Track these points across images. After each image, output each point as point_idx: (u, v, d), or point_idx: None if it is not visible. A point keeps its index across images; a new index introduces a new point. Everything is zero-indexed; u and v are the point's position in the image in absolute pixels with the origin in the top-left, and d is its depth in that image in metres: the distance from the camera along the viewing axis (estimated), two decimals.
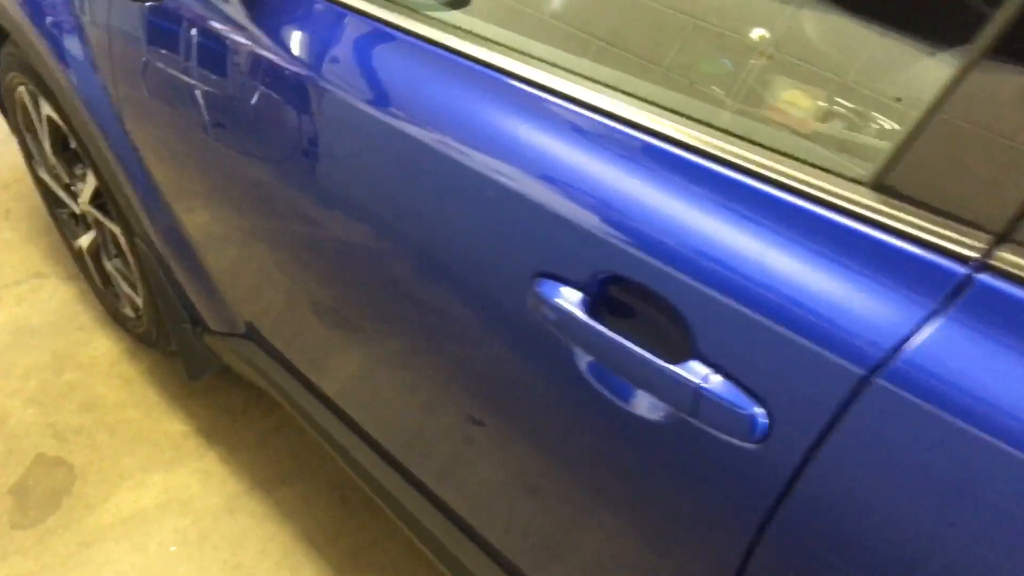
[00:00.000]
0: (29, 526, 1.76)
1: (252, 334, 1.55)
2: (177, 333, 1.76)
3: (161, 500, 1.82)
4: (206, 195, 1.40)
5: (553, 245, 0.80)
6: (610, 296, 0.77)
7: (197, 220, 1.47)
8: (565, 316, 0.79)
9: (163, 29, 1.27)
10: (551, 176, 0.81)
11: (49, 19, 1.58)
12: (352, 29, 1.06)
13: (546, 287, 0.80)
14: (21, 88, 1.90)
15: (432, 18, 0.99)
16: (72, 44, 1.53)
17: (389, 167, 0.99)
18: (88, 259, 2.07)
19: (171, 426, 1.96)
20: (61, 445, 1.91)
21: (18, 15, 1.67)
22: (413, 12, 1.01)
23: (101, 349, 2.12)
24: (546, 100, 0.84)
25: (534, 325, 0.83)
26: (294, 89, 1.11)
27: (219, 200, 1.37)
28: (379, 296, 1.12)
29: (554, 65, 0.87)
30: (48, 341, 2.13)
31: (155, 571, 1.69)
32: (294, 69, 1.10)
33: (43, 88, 1.76)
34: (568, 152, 0.81)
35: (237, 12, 1.16)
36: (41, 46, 1.61)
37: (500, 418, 0.94)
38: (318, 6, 1.10)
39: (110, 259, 1.97)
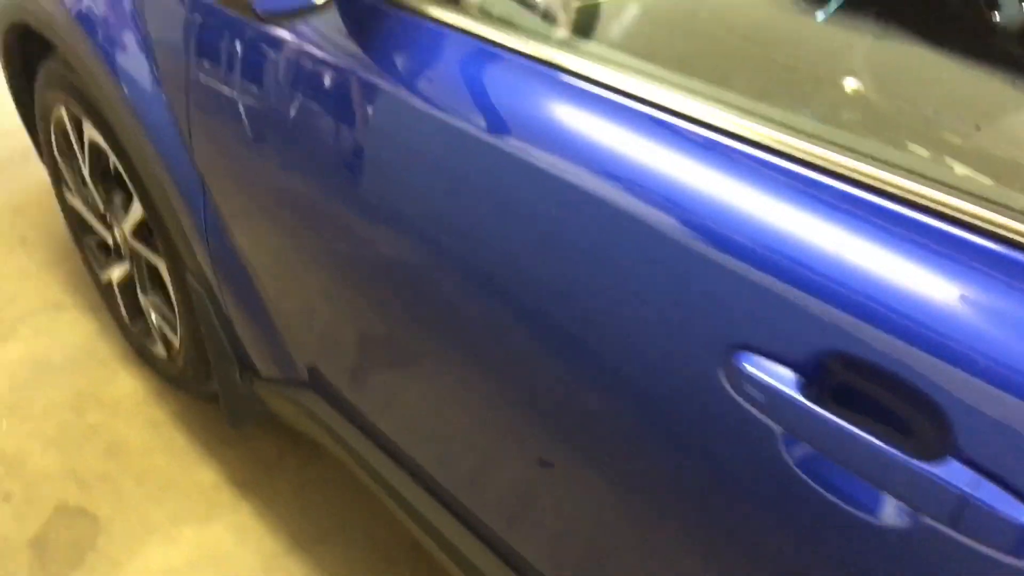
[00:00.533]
0: None
1: (314, 381, 1.44)
2: (222, 377, 1.63)
3: (193, 557, 1.68)
4: (282, 230, 1.29)
5: (761, 314, 0.70)
6: (833, 376, 0.67)
7: (266, 255, 1.36)
8: (776, 397, 0.68)
9: (256, 52, 1.17)
10: (759, 237, 0.71)
11: (107, 33, 1.48)
12: (478, 58, 0.97)
13: (749, 361, 0.70)
14: (61, 109, 1.79)
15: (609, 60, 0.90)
16: (134, 62, 1.42)
17: (520, 206, 0.88)
18: (118, 292, 1.94)
19: (202, 475, 1.83)
20: (84, 493, 1.77)
21: (69, 27, 1.56)
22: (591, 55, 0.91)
23: (126, 388, 1.99)
24: (737, 149, 0.75)
25: (725, 403, 0.72)
26: (403, 123, 1.01)
27: (297, 235, 1.27)
28: (495, 351, 1.01)
29: (737, 107, 0.77)
30: (68, 378, 2.00)
31: None
32: (407, 101, 1.00)
33: (89, 109, 1.65)
34: (777, 208, 0.71)
35: (345, 41, 1.07)
36: (94, 63, 1.50)
37: (666, 504, 0.83)
38: (434, 35, 1.00)
39: (145, 293, 1.85)
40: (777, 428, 0.69)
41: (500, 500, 1.15)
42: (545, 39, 0.98)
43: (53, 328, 2.12)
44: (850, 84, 1.04)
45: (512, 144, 0.89)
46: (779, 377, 0.68)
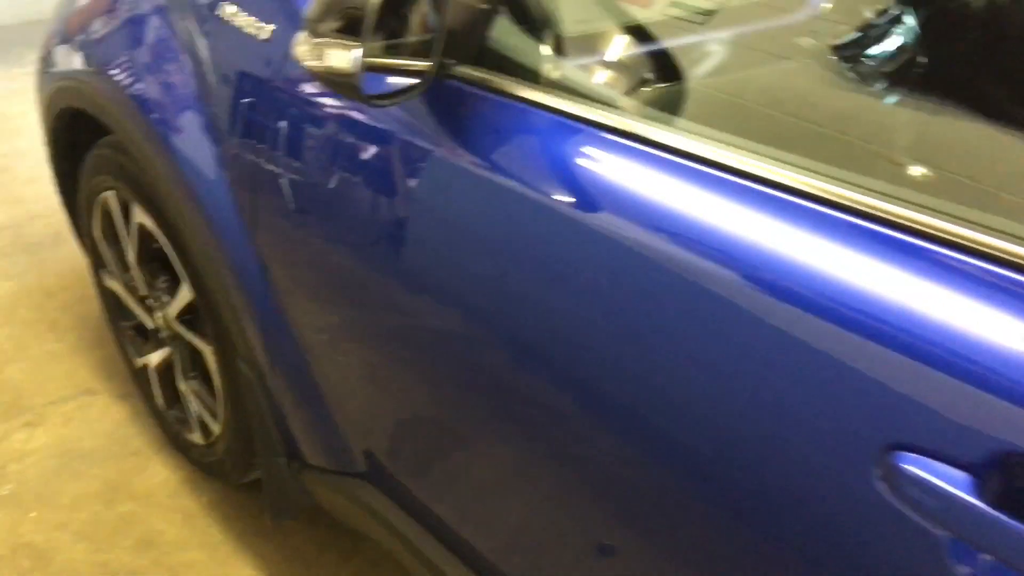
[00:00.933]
0: None
1: (370, 469, 1.38)
2: (268, 466, 1.57)
3: None
4: (346, 312, 1.25)
5: (924, 412, 0.65)
6: (1014, 476, 0.62)
7: (326, 338, 1.31)
8: (949, 502, 0.63)
9: (335, 134, 1.15)
10: (913, 326, 0.67)
11: (166, 116, 1.46)
12: (562, 134, 0.94)
13: (912, 463, 0.65)
14: (109, 194, 1.77)
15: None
16: (195, 144, 1.41)
17: (621, 289, 0.85)
18: (155, 378, 1.89)
19: (239, 571, 1.74)
20: None
21: (126, 110, 1.55)
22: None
23: (158, 478, 1.92)
24: (876, 229, 0.71)
25: (881, 507, 0.67)
26: (492, 204, 0.98)
27: (361, 317, 1.23)
28: (582, 444, 0.96)
29: (858, 185, 0.74)
30: (99, 467, 1.93)
31: None
32: (494, 181, 0.97)
33: (140, 193, 1.63)
34: (935, 295, 0.67)
35: (430, 123, 1.05)
36: (152, 146, 1.49)
37: None
38: (519, 113, 0.98)
39: (185, 379, 1.80)
40: (946, 535, 0.64)
41: None
42: (622, 113, 0.95)
43: (83, 415, 2.06)
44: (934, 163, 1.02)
45: (607, 221, 0.87)
46: (949, 478, 0.63)
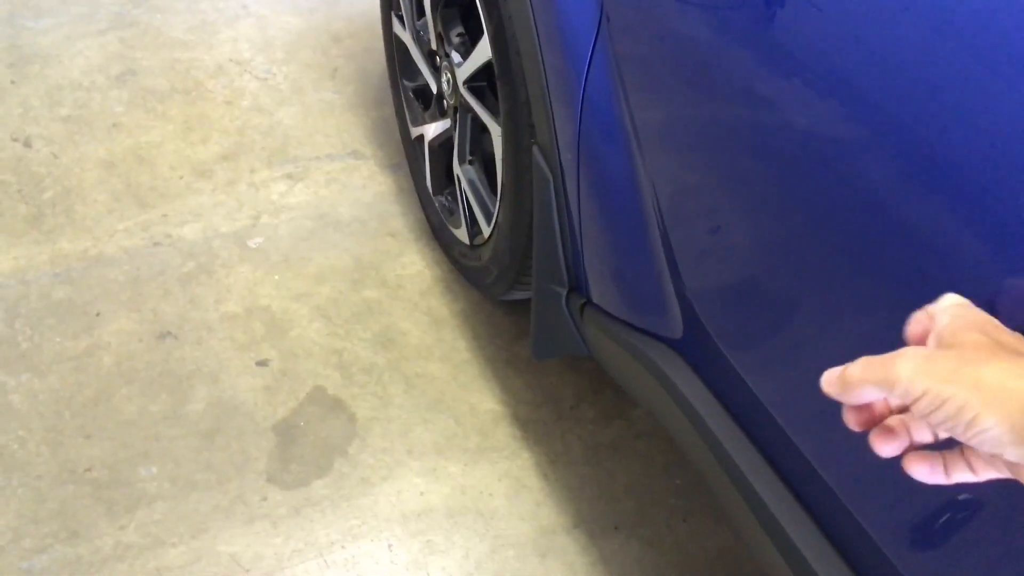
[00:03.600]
0: (290, 486, 1.32)
1: (687, 342, 0.99)
2: (542, 295, 1.23)
3: (454, 502, 1.33)
4: (718, 113, 0.83)
5: None
6: None
7: (670, 140, 0.91)
8: None
9: None
10: None
11: None
12: None
13: None
14: None
15: None
16: None
17: None
18: (428, 154, 1.58)
19: (480, 400, 1.46)
20: (346, 384, 1.46)
21: None
22: None
23: (412, 269, 1.65)
24: None
25: None
26: None
27: (729, 132, 0.80)
28: None
29: None
30: (352, 241, 1.69)
31: None
32: None
33: None
34: None
35: None
36: None
37: None
38: None
39: (463, 162, 1.47)
40: None
41: (911, 520, 0.69)
42: None
43: (347, 179, 1.81)
44: None
45: None
46: None
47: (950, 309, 0.50)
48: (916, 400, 0.45)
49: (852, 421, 0.53)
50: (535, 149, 1.14)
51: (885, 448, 0.51)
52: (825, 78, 0.72)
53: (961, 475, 0.50)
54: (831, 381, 0.50)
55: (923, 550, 0.77)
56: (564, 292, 1.19)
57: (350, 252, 1.67)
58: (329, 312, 1.56)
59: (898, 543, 0.78)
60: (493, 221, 1.38)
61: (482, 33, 1.26)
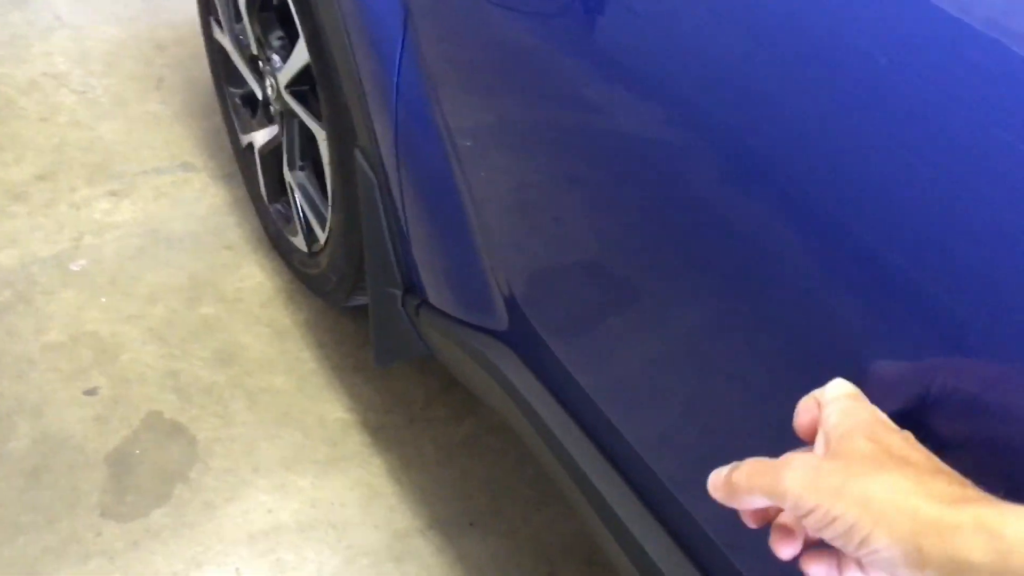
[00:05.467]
0: (126, 518, 1.26)
1: (513, 333, 1.00)
2: (377, 298, 1.21)
3: (305, 518, 1.30)
4: (524, 108, 0.83)
5: None
6: None
7: (483, 138, 0.91)
8: None
9: None
10: None
11: None
12: None
13: None
14: None
15: None
16: None
17: None
18: (259, 162, 1.54)
19: (329, 410, 1.43)
20: (183, 405, 1.40)
21: None
22: None
23: (251, 281, 1.61)
24: None
25: None
26: None
27: (545, 117, 0.81)
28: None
29: None
30: (186, 256, 1.62)
31: None
32: None
33: None
34: None
35: None
36: None
37: None
38: None
39: (292, 168, 1.44)
40: None
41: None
42: None
43: (177, 193, 1.74)
44: None
45: None
46: None
47: (839, 402, 0.48)
48: (807, 514, 0.43)
49: (747, 519, 0.51)
50: (357, 153, 1.13)
51: (785, 551, 0.49)
52: (626, 73, 0.73)
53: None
54: (717, 485, 0.48)
55: (748, 535, 0.80)
56: (399, 293, 1.18)
57: (184, 268, 1.61)
58: (163, 333, 1.50)
59: (722, 525, 0.80)
60: (328, 227, 1.35)
61: (300, 36, 1.23)
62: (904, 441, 0.45)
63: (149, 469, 1.32)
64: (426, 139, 0.98)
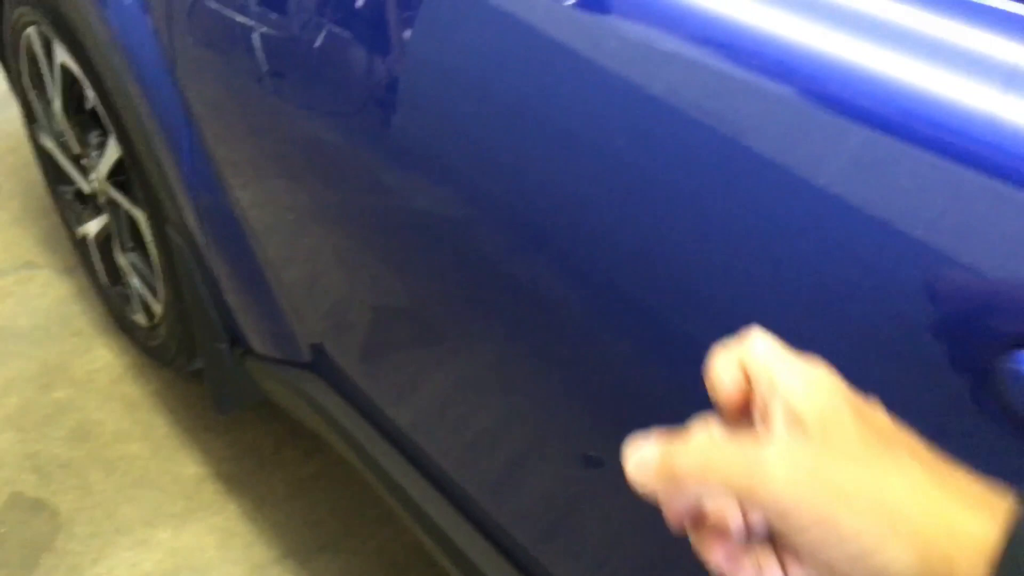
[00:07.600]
0: None
1: (317, 361, 1.17)
2: (208, 352, 1.36)
3: (167, 566, 1.41)
4: (292, 180, 1.02)
5: None
6: None
7: (267, 210, 1.09)
8: None
9: None
10: None
11: None
12: None
13: None
14: (31, 30, 1.51)
15: None
16: None
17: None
18: (95, 250, 1.67)
19: (183, 468, 1.56)
20: (43, 483, 1.50)
21: None
22: None
23: (100, 362, 1.72)
24: None
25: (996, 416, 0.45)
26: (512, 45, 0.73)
27: (310, 187, 1.00)
28: (562, 333, 0.74)
29: None
30: (36, 348, 1.73)
31: None
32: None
33: (62, 28, 1.38)
34: None
35: None
36: None
37: None
38: None
39: (124, 252, 1.58)
40: None
41: (535, 511, 0.89)
42: None
43: (23, 291, 1.85)
44: None
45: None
46: None
47: (786, 365, 0.34)
48: (802, 532, 0.31)
49: (677, 519, 0.36)
50: (169, 228, 1.28)
51: (719, 554, 0.35)
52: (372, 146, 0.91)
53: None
54: (647, 469, 0.34)
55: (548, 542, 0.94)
56: (225, 346, 1.33)
57: (35, 358, 1.71)
58: (19, 420, 1.60)
59: (535, 536, 0.93)
60: (161, 299, 1.50)
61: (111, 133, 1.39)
62: (887, 417, 0.34)
63: (15, 544, 1.41)
64: (218, 210, 1.15)
